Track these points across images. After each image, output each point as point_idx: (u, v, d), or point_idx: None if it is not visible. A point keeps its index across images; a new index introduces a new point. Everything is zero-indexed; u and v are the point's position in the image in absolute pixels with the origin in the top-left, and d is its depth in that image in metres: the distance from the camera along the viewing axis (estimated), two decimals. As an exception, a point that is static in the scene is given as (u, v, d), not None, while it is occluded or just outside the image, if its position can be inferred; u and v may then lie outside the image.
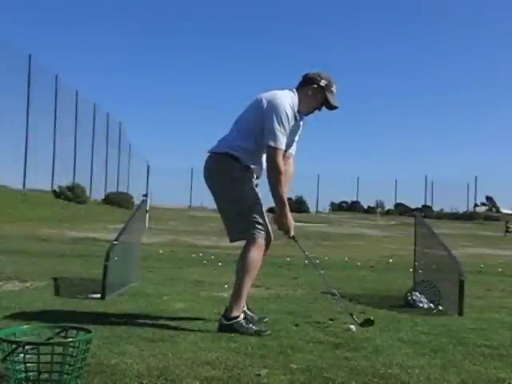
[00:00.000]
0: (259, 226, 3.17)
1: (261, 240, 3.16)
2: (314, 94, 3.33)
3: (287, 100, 3.20)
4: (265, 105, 3.17)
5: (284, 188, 3.19)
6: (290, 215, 3.23)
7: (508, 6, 57.12)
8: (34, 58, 24.21)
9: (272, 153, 3.14)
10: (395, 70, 66.64)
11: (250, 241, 3.16)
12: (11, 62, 22.52)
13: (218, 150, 3.29)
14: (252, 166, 3.25)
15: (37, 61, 24.47)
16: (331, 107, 3.38)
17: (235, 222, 3.23)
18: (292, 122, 3.21)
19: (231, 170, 3.20)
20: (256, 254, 3.15)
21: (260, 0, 64.57)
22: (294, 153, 3.48)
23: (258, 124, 3.19)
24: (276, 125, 3.12)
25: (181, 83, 64.40)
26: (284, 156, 3.24)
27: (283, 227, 3.24)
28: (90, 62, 62.56)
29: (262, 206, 3.26)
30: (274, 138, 3.12)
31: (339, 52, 62.84)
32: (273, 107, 3.15)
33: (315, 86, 3.32)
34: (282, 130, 3.14)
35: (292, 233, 3.27)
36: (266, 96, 3.23)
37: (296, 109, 3.26)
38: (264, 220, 3.21)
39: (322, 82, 3.32)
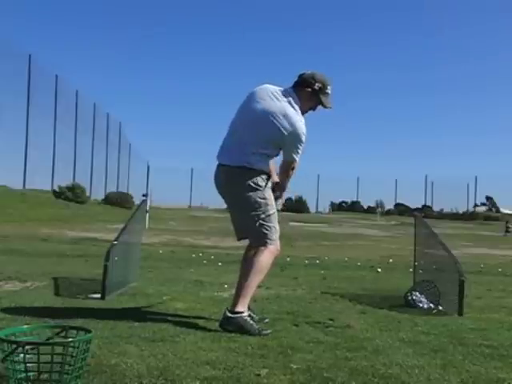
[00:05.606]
0: (275, 235, 3.32)
1: (274, 247, 3.30)
2: (309, 97, 3.38)
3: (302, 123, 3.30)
4: (285, 126, 3.19)
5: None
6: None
7: (508, 6, 57.09)
8: (33, 58, 24.30)
9: (293, 164, 3.38)
10: (395, 70, 66.76)
11: (266, 246, 3.26)
12: (11, 62, 22.56)
13: (236, 162, 3.25)
14: (269, 174, 3.36)
15: (37, 61, 24.56)
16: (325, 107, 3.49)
17: (255, 229, 3.26)
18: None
19: (256, 179, 3.25)
20: (269, 259, 3.28)
21: (260, 0, 64.53)
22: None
23: (274, 138, 3.24)
24: (299, 146, 3.30)
25: (180, 83, 64.58)
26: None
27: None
28: (90, 62, 62.68)
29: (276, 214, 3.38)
30: (298, 153, 3.32)
31: (338, 51, 62.81)
32: (295, 137, 3.23)
33: (309, 89, 3.36)
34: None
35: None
36: (282, 113, 3.21)
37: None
38: (277, 228, 3.36)
39: (317, 86, 3.36)
